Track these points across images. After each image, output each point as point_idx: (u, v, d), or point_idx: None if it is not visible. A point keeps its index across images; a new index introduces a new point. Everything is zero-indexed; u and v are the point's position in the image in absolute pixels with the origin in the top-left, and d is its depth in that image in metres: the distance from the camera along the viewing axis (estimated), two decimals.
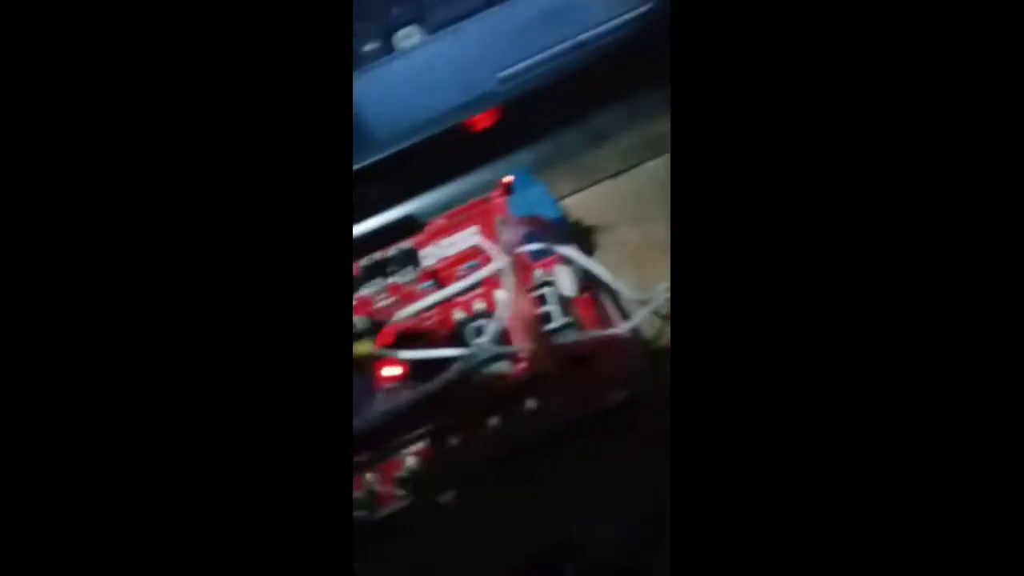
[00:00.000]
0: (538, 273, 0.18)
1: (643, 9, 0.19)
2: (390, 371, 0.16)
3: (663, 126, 0.22)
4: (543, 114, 0.22)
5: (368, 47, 0.26)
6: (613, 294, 0.18)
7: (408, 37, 0.26)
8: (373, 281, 0.20)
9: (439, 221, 0.21)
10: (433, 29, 0.26)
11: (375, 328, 0.18)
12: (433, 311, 0.18)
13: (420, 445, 0.15)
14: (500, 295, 0.17)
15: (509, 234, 0.17)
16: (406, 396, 0.15)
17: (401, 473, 0.15)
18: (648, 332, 0.18)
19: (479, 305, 0.18)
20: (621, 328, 0.16)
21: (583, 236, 0.21)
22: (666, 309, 0.17)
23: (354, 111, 0.24)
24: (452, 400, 0.15)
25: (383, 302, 0.19)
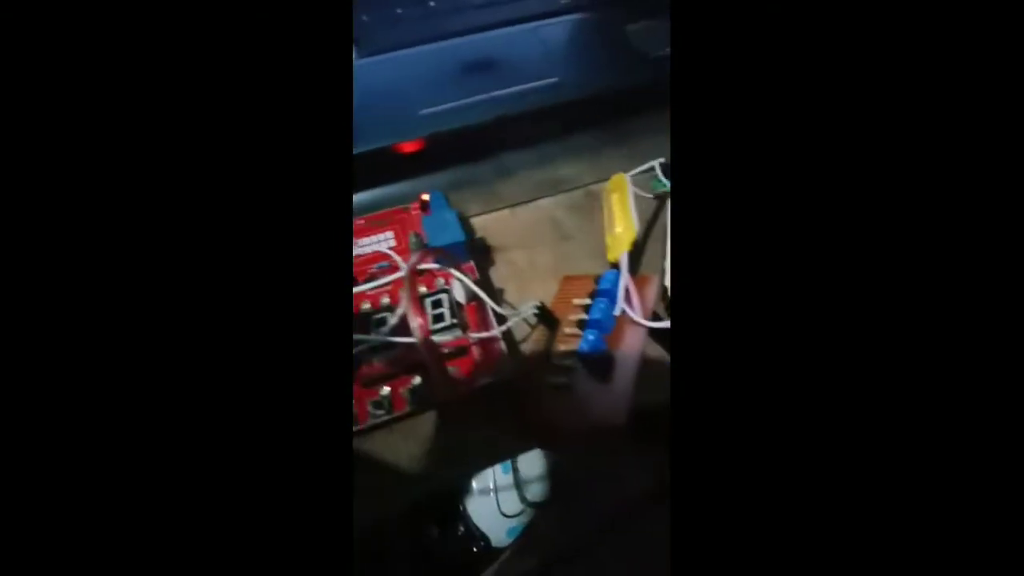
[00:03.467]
0: (439, 281, 0.22)
1: (552, 80, 0.24)
2: None
3: (559, 171, 0.27)
4: (462, 148, 0.26)
5: None
6: (492, 305, 0.22)
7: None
8: None
9: (359, 222, 0.25)
10: (368, 53, 0.29)
11: None
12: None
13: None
14: (403, 296, 0.21)
15: (417, 257, 0.21)
16: None
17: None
18: (517, 335, 0.22)
19: (385, 300, 0.21)
20: (495, 331, 0.20)
21: (484, 252, 0.25)
22: (533, 319, 0.21)
23: None
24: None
25: None
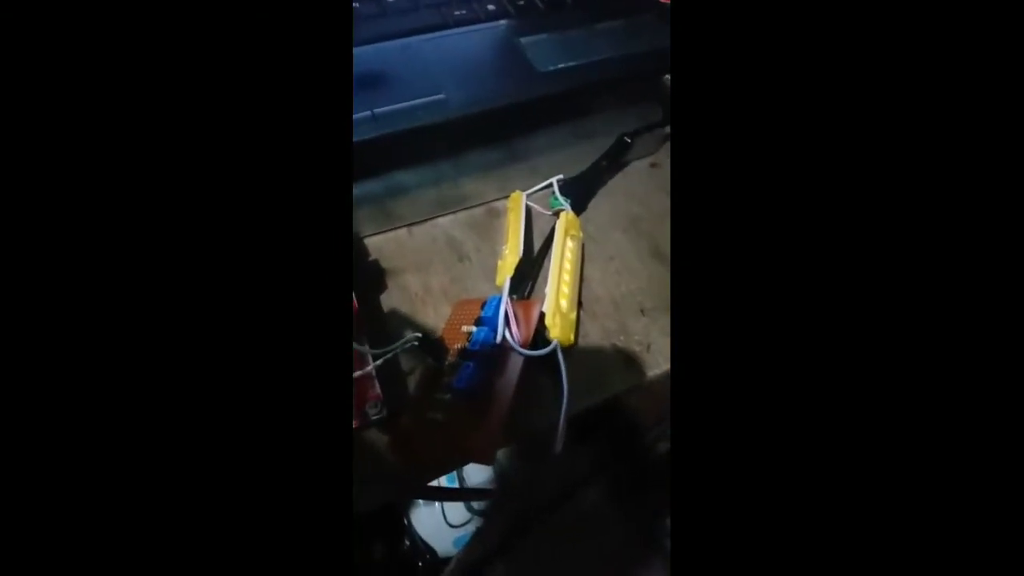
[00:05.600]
0: None
1: (436, 97, 0.23)
2: None
3: (461, 188, 0.26)
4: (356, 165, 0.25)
5: None
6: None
7: None
8: None
9: None
10: None
11: None
12: None
13: None
14: None
15: None
16: None
17: None
18: (405, 368, 0.21)
19: None
20: (367, 370, 0.20)
21: (377, 275, 0.24)
22: (412, 349, 0.21)
23: None
24: None
25: None
